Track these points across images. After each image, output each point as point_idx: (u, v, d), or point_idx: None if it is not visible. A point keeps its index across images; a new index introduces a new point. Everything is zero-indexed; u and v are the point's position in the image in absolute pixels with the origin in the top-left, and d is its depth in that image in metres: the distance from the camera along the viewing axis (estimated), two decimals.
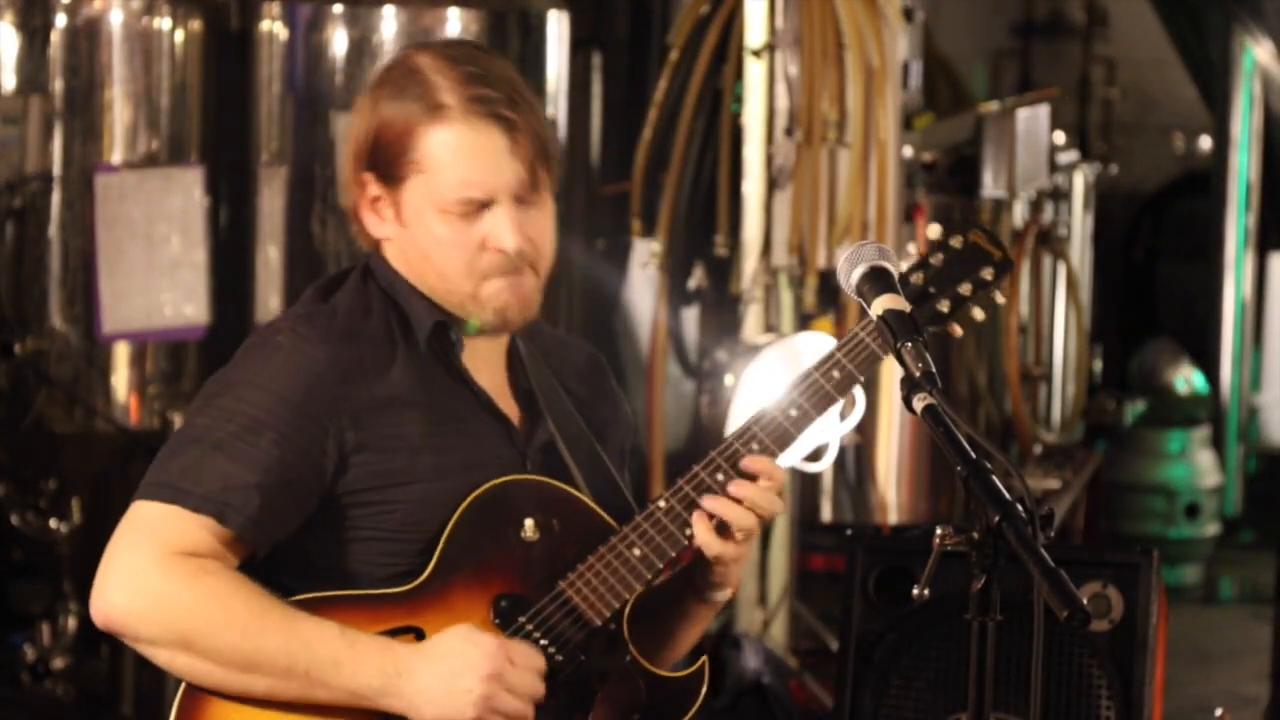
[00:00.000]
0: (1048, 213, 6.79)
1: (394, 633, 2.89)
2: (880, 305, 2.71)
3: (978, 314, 3.13)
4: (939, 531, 2.51)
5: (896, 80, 5.92)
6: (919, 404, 2.60)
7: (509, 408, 3.03)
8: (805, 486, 6.14)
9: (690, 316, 6.45)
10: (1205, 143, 10.29)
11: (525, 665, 2.90)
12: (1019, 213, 6.44)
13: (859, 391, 3.86)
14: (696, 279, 6.25)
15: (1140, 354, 9.52)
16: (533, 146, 2.92)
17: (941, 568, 2.53)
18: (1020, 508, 2.47)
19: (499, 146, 2.91)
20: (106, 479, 6.14)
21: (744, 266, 6.05)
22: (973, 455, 2.54)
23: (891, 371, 2.93)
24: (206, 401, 2.94)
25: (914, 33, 6.19)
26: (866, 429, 5.92)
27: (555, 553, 2.97)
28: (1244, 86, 9.06)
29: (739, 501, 2.97)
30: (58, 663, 6.22)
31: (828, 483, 6.11)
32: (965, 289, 3.11)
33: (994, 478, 2.51)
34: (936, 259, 3.11)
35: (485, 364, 3.03)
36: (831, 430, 3.92)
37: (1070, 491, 6.67)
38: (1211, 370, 9.19)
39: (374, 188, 2.96)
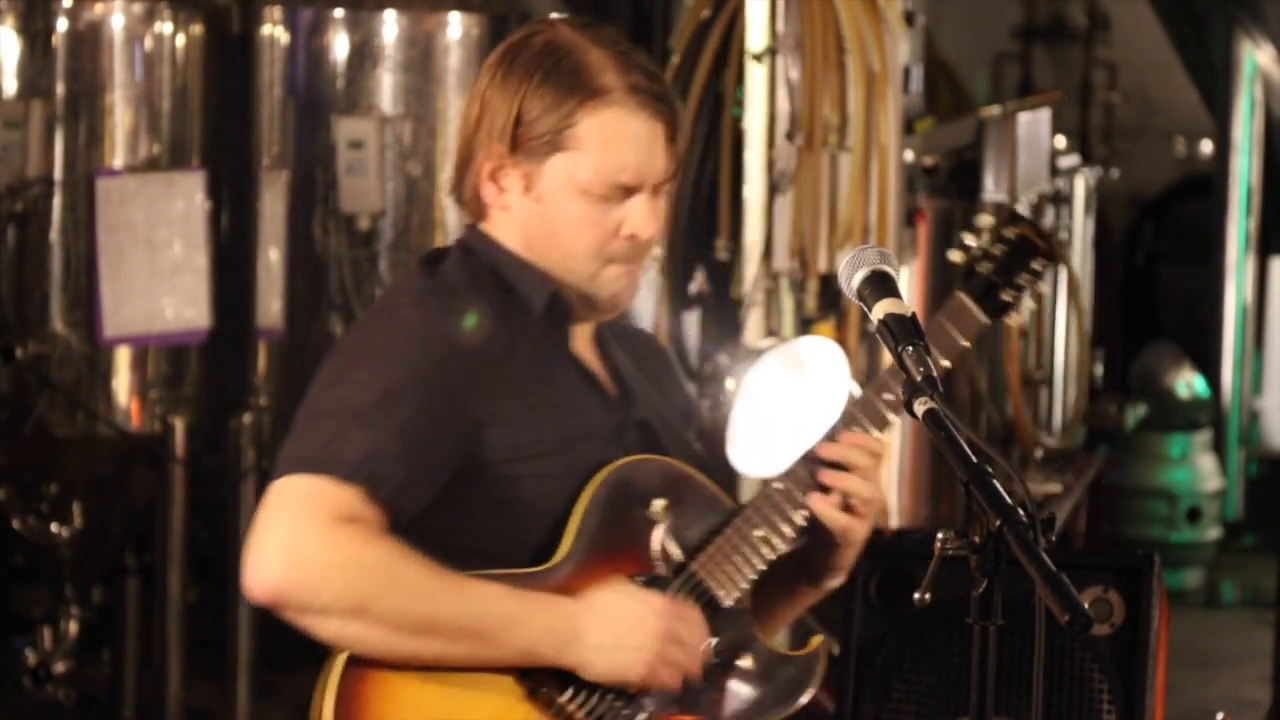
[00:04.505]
0: (1049, 217, 6.79)
1: None
2: (881, 309, 2.71)
3: (1031, 305, 3.19)
4: (940, 536, 2.51)
5: (898, 84, 5.92)
6: (920, 408, 2.60)
7: (605, 381, 3.06)
8: None
9: (691, 321, 6.44)
10: (1207, 147, 10.29)
11: (693, 620, 2.94)
12: None
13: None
14: (697, 283, 6.24)
15: (1141, 358, 9.52)
16: (680, 139, 2.96)
17: (943, 572, 2.52)
18: (1021, 512, 2.47)
19: (656, 135, 2.94)
20: (107, 483, 6.14)
21: (745, 271, 6.05)
22: (974, 459, 2.54)
23: None
24: (338, 375, 2.90)
25: (915, 37, 6.19)
26: None
27: (681, 532, 3.00)
28: (1245, 90, 9.06)
29: (849, 470, 3.05)
30: (59, 667, 6.23)
31: None
32: (1024, 280, 3.16)
33: (995, 482, 2.51)
34: (998, 249, 3.14)
35: (583, 341, 3.05)
36: None
37: (1071, 495, 6.66)
38: (1213, 374, 9.19)
39: (501, 159, 2.94)
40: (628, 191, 2.93)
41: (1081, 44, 10.83)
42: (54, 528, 6.11)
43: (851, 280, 2.78)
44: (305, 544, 2.78)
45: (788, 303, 6.00)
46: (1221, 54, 9.13)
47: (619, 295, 3.01)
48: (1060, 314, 6.95)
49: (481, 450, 2.89)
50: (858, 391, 3.86)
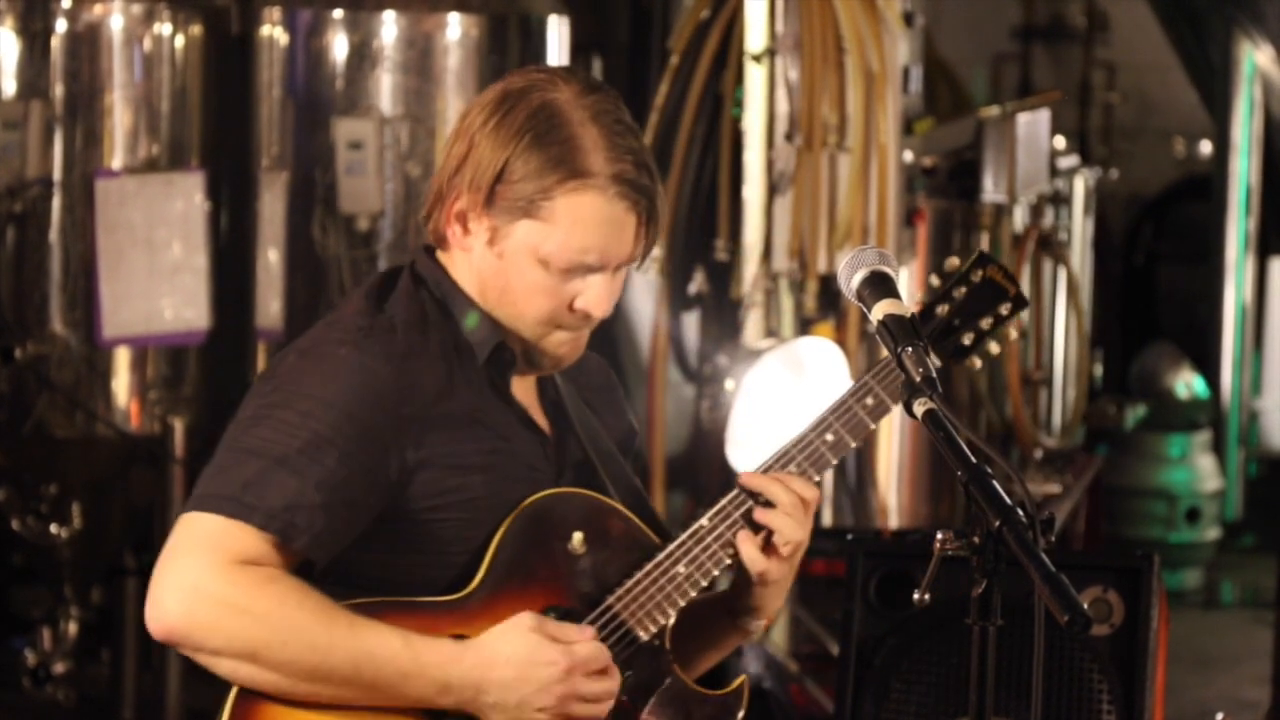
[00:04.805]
0: (1048, 217, 6.79)
1: None
2: (880, 310, 2.72)
3: (994, 349, 3.16)
4: (940, 536, 2.51)
5: (897, 85, 5.92)
6: (919, 408, 2.60)
7: (541, 422, 3.04)
8: None
9: (691, 321, 6.44)
10: (1206, 147, 10.29)
11: (602, 669, 2.90)
12: (1019, 217, 6.44)
13: None
14: (697, 284, 6.24)
15: (1141, 358, 9.52)
16: (655, 227, 2.94)
17: (942, 572, 2.53)
18: (1021, 512, 2.47)
19: (629, 224, 2.91)
20: (107, 484, 6.14)
21: (744, 271, 6.05)
22: (973, 460, 2.54)
23: None
24: (266, 411, 2.89)
25: (914, 37, 6.19)
26: None
27: (601, 567, 2.99)
28: (1245, 91, 9.06)
29: (779, 512, 3.01)
30: (58, 667, 6.23)
31: (828, 487, 6.11)
32: (986, 323, 3.14)
33: (994, 482, 2.51)
34: (959, 292, 3.12)
35: (519, 379, 3.03)
36: None
37: (1071, 496, 6.66)
38: (1212, 374, 9.18)
39: (474, 206, 2.92)
40: (589, 269, 2.91)
41: (1080, 44, 10.82)
42: (53, 528, 6.11)
43: (851, 281, 2.78)
44: (204, 587, 2.77)
45: (787, 303, 6.00)
46: (1220, 54, 9.13)
47: (562, 358, 2.99)
48: (1059, 314, 6.95)
49: (407, 497, 2.88)
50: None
